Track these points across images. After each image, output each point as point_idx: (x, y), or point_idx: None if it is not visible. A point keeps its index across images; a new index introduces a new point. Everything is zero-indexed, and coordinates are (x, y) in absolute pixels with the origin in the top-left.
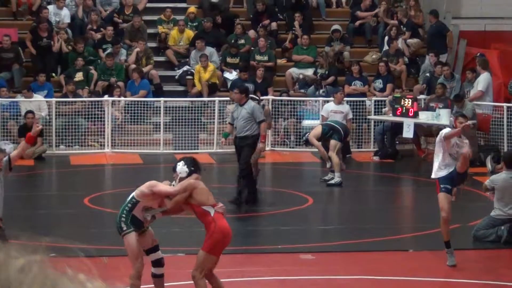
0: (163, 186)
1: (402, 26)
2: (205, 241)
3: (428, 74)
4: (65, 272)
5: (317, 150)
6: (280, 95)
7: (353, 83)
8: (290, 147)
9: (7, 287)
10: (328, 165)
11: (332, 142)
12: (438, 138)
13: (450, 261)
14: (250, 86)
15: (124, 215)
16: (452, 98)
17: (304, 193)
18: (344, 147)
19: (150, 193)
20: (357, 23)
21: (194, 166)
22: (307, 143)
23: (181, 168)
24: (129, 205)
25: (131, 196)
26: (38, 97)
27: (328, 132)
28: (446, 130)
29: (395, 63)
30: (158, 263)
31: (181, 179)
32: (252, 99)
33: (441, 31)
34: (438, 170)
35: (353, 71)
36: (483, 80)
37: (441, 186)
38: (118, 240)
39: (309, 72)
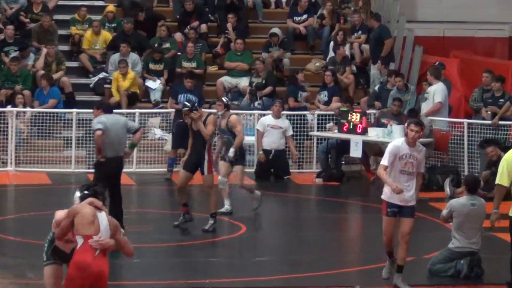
0: (59, 212)
1: (356, 30)
2: None
3: (376, 89)
4: None
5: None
6: (210, 107)
7: (299, 94)
8: None
9: None
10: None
11: (238, 168)
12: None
13: (384, 273)
14: (193, 98)
15: (46, 245)
16: (407, 113)
17: (236, 220)
18: (283, 168)
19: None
20: (298, 27)
21: (87, 188)
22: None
23: (75, 195)
24: (51, 234)
25: None
26: None
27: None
28: (395, 143)
29: (342, 73)
30: None
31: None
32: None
33: (383, 37)
34: (388, 190)
35: (298, 79)
36: (440, 90)
37: (388, 209)
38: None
39: (244, 81)
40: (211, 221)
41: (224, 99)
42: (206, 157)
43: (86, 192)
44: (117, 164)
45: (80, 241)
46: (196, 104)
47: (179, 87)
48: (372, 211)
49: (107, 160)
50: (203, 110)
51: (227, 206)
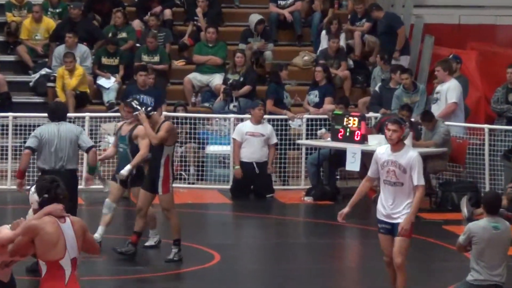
0: (4, 231)
1: (359, 18)
2: None
3: (377, 89)
4: None
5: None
6: (175, 110)
7: (285, 95)
8: (189, 183)
9: None
10: None
11: (134, 191)
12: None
13: None
14: (147, 100)
15: None
16: (420, 116)
17: (209, 247)
18: (265, 184)
19: None
20: (282, 12)
21: (48, 191)
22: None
23: (32, 196)
24: None
25: None
26: None
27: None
28: (378, 148)
29: (336, 68)
30: None
31: (35, 211)
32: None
33: (394, 26)
34: (378, 202)
35: (282, 77)
36: (453, 88)
37: (379, 225)
38: None
39: (217, 79)
40: (174, 250)
41: (133, 103)
42: (162, 173)
43: (46, 195)
44: (63, 178)
45: (43, 268)
46: (149, 107)
47: (131, 86)
48: (373, 237)
49: (46, 172)
50: (157, 114)
51: (96, 235)
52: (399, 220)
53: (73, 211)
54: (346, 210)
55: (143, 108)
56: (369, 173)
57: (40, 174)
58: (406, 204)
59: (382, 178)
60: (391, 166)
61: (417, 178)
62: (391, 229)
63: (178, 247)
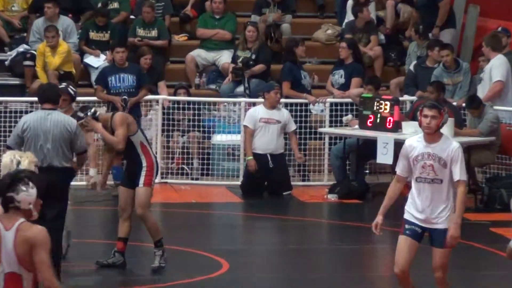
0: None
1: None
2: None
3: (412, 67)
4: None
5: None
6: (175, 93)
7: (303, 75)
8: (192, 178)
9: None
10: None
11: None
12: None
13: None
14: (129, 80)
15: None
16: (465, 102)
17: (215, 254)
18: (281, 179)
19: None
20: None
21: None
22: None
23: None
24: None
25: None
26: None
27: None
28: (408, 140)
29: (365, 43)
30: None
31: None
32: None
33: None
34: (408, 203)
35: (297, 54)
36: (499, 65)
37: (406, 226)
38: None
39: (225, 57)
40: (158, 253)
41: (69, 89)
42: (145, 162)
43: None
44: (50, 177)
45: None
46: (92, 109)
47: (108, 66)
48: None
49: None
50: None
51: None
52: (440, 226)
53: (62, 215)
54: (379, 220)
55: (88, 114)
56: (399, 171)
57: None
58: (444, 206)
59: (415, 175)
60: (428, 159)
61: (460, 172)
62: (421, 235)
63: (162, 248)
